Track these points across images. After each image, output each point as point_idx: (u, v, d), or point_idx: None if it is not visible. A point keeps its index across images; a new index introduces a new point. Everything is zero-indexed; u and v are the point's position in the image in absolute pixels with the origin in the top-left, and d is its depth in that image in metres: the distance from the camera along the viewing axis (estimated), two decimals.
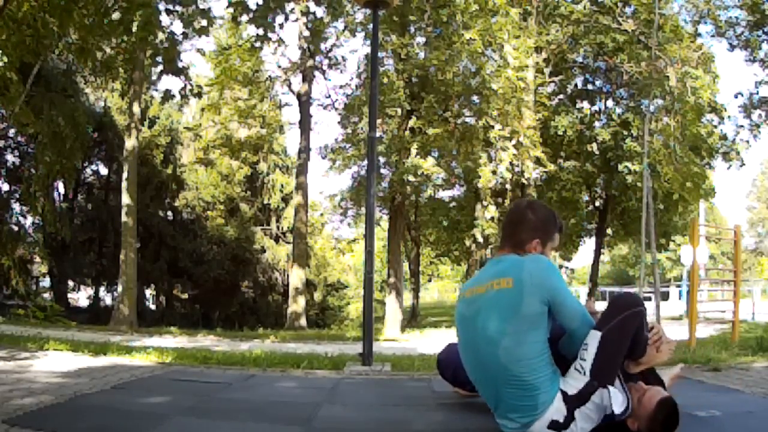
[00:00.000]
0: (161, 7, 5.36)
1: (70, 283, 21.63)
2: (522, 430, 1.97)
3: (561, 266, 27.96)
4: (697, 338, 5.68)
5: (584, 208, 20.42)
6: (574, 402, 1.93)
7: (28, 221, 18.65)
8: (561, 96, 17.98)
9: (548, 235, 2.20)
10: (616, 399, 1.96)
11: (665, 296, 19.79)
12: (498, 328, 1.94)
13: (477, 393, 2.75)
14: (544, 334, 1.97)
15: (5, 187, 18.06)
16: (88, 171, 22.16)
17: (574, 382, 1.96)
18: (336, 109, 15.51)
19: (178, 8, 5.32)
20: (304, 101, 15.81)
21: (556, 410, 1.92)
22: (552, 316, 2.01)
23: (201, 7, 5.40)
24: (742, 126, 17.41)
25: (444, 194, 19.61)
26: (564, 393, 1.95)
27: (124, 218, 13.00)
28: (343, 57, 16.06)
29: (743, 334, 6.38)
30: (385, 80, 11.56)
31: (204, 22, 5.41)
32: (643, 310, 2.01)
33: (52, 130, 14.58)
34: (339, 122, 14.29)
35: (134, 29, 5.06)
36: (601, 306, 2.16)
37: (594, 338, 1.95)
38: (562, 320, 2.00)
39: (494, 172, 12.69)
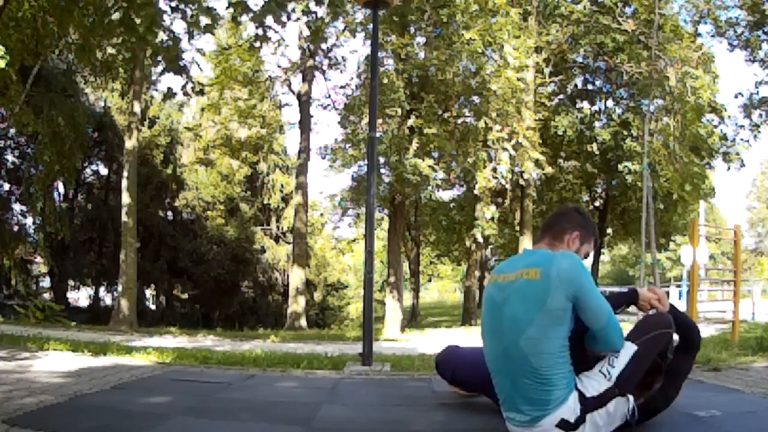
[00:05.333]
0: (164, 6, 5.36)
1: (70, 283, 21.63)
2: (530, 424, 1.96)
3: None
4: None
5: (584, 208, 20.41)
6: (591, 404, 1.95)
7: (29, 221, 18.68)
8: (561, 96, 17.96)
9: (587, 235, 2.26)
10: (628, 408, 2.02)
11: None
12: (524, 317, 1.96)
13: (476, 393, 2.76)
14: (567, 331, 1.97)
15: (5, 187, 18.08)
16: (88, 171, 22.17)
17: (597, 385, 1.99)
18: (336, 109, 15.53)
19: (182, 7, 5.31)
20: (304, 101, 15.82)
21: (569, 409, 1.93)
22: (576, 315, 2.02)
23: (205, 5, 5.38)
24: (742, 126, 17.42)
25: (444, 194, 19.63)
26: (581, 394, 1.96)
27: (124, 218, 12.99)
28: (343, 57, 16.10)
29: (743, 334, 6.38)
30: (385, 80, 11.55)
31: (208, 20, 5.39)
32: (672, 331, 2.13)
33: (52, 130, 14.59)
34: (339, 122, 14.30)
35: (136, 28, 5.05)
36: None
37: (628, 348, 2.04)
38: (587, 319, 2.00)
39: (495, 170, 12.69)
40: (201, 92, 6.19)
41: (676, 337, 2.21)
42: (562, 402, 1.92)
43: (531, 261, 2.07)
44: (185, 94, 5.93)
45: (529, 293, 1.98)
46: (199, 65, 16.38)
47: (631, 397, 2.03)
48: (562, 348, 1.96)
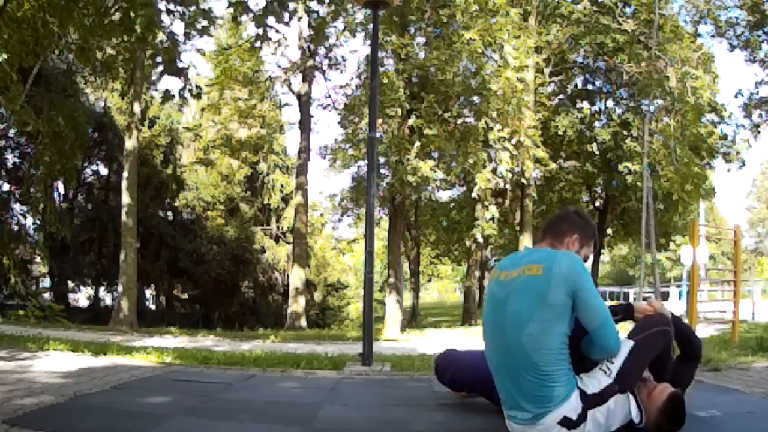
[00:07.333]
0: (162, 7, 5.37)
1: (70, 283, 21.62)
2: (532, 422, 1.97)
3: None
4: None
5: (584, 208, 20.41)
6: (591, 402, 1.97)
7: (29, 221, 18.67)
8: (561, 96, 17.97)
9: (586, 237, 2.27)
10: (632, 407, 2.03)
11: (665, 296, 19.75)
12: (526, 313, 1.98)
13: (475, 394, 2.76)
14: (567, 328, 1.99)
15: (5, 187, 18.08)
16: (88, 171, 22.17)
17: (597, 382, 2.02)
18: (336, 109, 15.52)
19: (180, 8, 5.33)
20: (304, 101, 15.81)
21: (571, 407, 1.94)
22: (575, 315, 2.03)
23: (202, 7, 5.40)
24: (742, 126, 17.45)
25: (444, 194, 19.63)
26: (582, 392, 1.98)
27: (124, 218, 12.99)
28: (343, 57, 16.08)
29: (743, 334, 6.38)
30: (385, 80, 11.54)
31: (205, 23, 5.42)
32: (671, 330, 2.14)
33: (52, 130, 14.57)
34: (339, 122, 14.30)
35: (135, 29, 5.06)
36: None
37: (626, 345, 2.07)
38: (583, 318, 2.02)
39: (494, 171, 12.68)
40: (198, 96, 6.22)
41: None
42: (564, 400, 1.94)
43: (533, 258, 2.10)
44: (182, 97, 5.95)
45: (530, 288, 2.00)
46: (196, 68, 16.45)
47: (631, 396, 2.04)
48: (562, 345, 1.97)
